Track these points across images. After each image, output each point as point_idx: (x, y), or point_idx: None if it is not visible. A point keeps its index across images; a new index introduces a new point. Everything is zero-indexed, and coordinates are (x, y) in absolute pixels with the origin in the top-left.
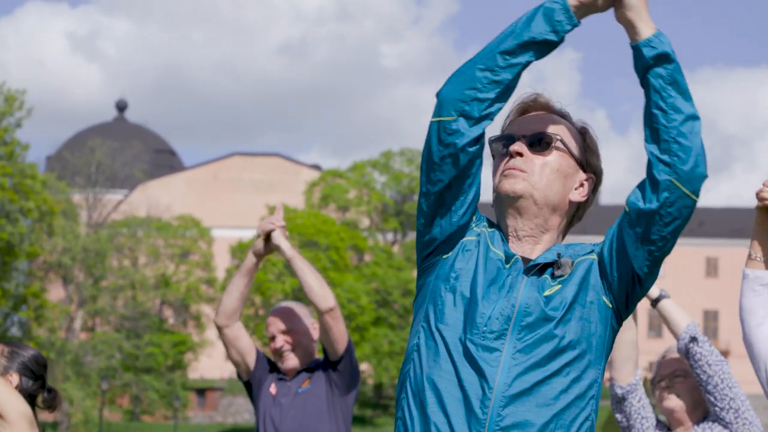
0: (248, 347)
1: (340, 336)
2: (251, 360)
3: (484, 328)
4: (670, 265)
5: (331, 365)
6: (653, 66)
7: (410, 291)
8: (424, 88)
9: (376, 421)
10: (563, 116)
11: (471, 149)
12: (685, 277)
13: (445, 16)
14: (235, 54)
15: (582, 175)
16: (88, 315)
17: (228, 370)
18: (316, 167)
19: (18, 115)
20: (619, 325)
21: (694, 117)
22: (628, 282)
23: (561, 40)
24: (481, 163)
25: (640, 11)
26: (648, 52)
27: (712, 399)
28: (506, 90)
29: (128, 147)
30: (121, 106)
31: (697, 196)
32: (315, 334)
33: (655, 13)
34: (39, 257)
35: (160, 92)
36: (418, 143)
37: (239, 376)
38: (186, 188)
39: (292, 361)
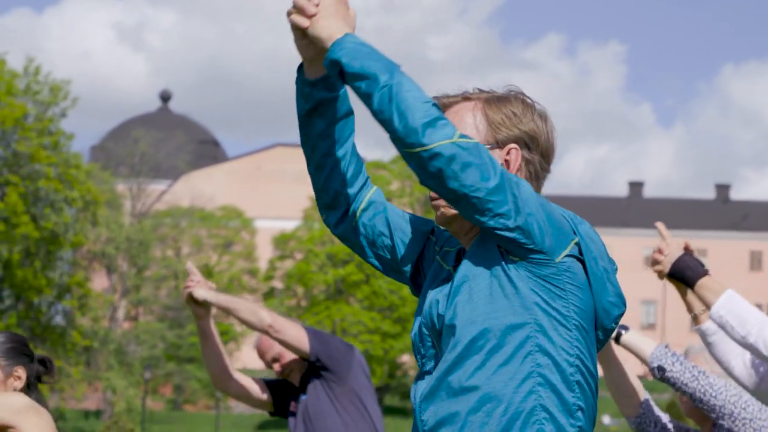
0: (255, 390)
1: (296, 339)
2: (265, 396)
3: (423, 361)
4: (713, 259)
5: (312, 364)
6: (340, 75)
7: None
8: (470, 80)
9: None
10: (469, 100)
11: (346, 225)
12: (728, 272)
13: (492, 7)
14: (279, 47)
15: (501, 154)
16: (132, 304)
17: None
18: None
19: (63, 105)
20: (546, 265)
21: (380, 89)
22: (492, 234)
23: (322, 97)
24: (383, 223)
25: (318, 38)
26: (330, 70)
27: (705, 412)
28: (328, 168)
29: (172, 137)
30: (165, 97)
31: (427, 144)
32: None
33: (698, 6)
34: (83, 247)
35: (204, 84)
36: None
37: (269, 413)
38: (229, 179)
39: (296, 378)
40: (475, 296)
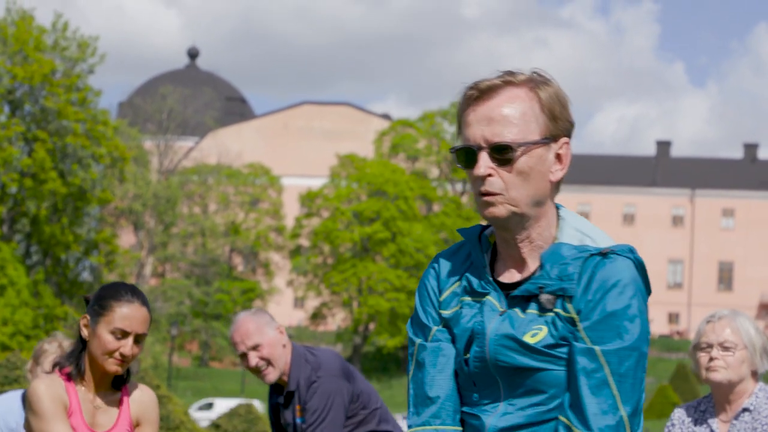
0: None
1: None
2: None
3: None
4: (740, 218)
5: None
6: None
7: None
8: (503, 38)
9: None
10: (515, 85)
11: None
12: (755, 230)
13: None
14: (313, 1)
15: (555, 148)
16: (159, 261)
17: (296, 318)
18: (386, 116)
19: (91, 61)
20: None
21: None
22: None
23: None
24: None
25: None
26: None
27: None
28: None
29: (199, 94)
30: (193, 54)
31: None
32: (283, 338)
33: None
34: (110, 203)
35: (236, 39)
36: None
37: None
38: (256, 136)
39: (272, 375)
40: None
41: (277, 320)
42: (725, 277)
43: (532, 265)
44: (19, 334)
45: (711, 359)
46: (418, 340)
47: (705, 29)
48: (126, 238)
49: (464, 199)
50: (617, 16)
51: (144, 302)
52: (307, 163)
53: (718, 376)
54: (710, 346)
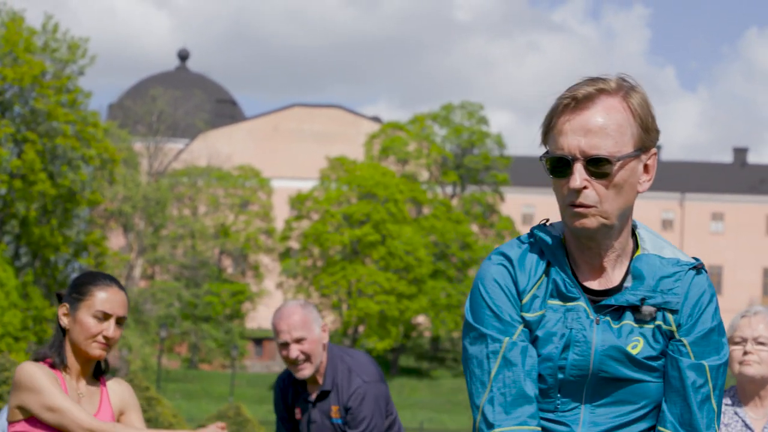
0: None
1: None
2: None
3: None
4: (730, 222)
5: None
6: None
7: (468, 244)
8: (496, 42)
9: (433, 373)
10: (609, 94)
11: None
12: (745, 235)
13: None
14: (305, 3)
15: (644, 159)
16: (148, 263)
17: None
18: (377, 119)
19: (81, 62)
20: None
21: None
22: None
23: None
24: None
25: None
26: None
27: None
28: None
29: (190, 96)
30: (183, 56)
31: None
32: (325, 337)
33: None
34: (100, 205)
35: (227, 41)
36: (482, 97)
37: None
38: (247, 138)
39: (307, 371)
40: None
41: (267, 322)
42: (714, 281)
43: (613, 274)
44: (8, 335)
45: (745, 353)
46: (506, 338)
47: (696, 34)
48: (115, 240)
49: (454, 202)
50: (608, 21)
51: (121, 287)
52: (297, 166)
53: (751, 370)
54: (744, 340)
